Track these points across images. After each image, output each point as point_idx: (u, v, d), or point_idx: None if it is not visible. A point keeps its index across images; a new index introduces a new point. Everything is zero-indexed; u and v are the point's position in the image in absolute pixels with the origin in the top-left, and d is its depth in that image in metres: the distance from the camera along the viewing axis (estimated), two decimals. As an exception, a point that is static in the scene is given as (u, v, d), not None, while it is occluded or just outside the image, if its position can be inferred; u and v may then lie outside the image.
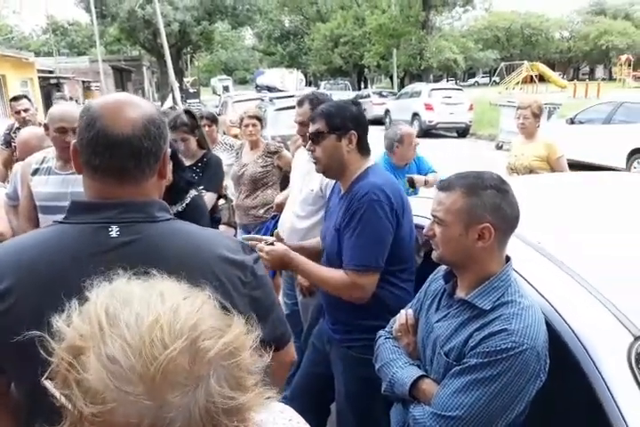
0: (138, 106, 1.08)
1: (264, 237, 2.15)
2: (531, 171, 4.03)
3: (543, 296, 1.48)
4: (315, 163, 2.13)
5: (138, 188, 1.08)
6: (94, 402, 0.55)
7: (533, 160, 4.06)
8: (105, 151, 1.03)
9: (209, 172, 3.48)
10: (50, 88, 24.11)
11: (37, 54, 40.20)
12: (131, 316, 0.59)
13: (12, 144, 4.60)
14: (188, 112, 3.58)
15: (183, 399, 0.56)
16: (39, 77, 21.61)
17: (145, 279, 0.68)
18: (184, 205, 2.47)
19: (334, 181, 2.35)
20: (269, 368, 1.31)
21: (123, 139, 1.03)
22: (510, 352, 1.28)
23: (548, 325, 1.39)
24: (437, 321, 1.51)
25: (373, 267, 1.93)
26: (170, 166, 2.48)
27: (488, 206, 1.39)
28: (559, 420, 1.61)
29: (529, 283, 1.54)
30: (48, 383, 0.61)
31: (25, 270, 1.00)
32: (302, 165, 2.97)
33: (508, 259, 1.47)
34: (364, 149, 2.10)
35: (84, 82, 31.92)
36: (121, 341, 0.57)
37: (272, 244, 2.06)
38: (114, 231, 1.03)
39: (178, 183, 2.43)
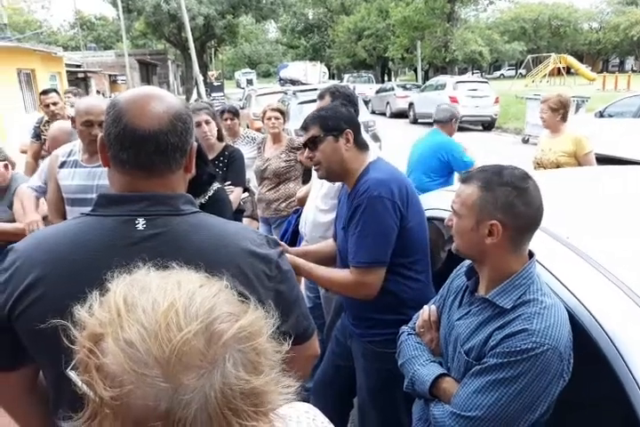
0: (164, 101, 1.08)
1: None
2: (557, 166, 3.97)
3: (571, 292, 1.46)
4: (316, 169, 2.13)
5: (164, 181, 1.09)
6: (113, 386, 0.56)
7: (560, 155, 3.98)
8: (132, 146, 1.04)
9: (235, 166, 3.50)
10: (77, 82, 24.46)
11: (65, 49, 40.76)
12: (148, 302, 0.60)
13: (42, 137, 4.68)
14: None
15: (199, 382, 0.57)
16: (67, 71, 21.92)
17: (164, 270, 0.69)
18: (207, 197, 2.48)
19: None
20: (292, 362, 1.33)
21: (149, 134, 1.04)
22: (530, 353, 1.26)
23: (576, 321, 1.37)
24: (459, 319, 1.49)
25: (377, 263, 1.93)
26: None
27: (499, 204, 1.37)
28: (588, 418, 1.59)
29: (556, 278, 1.51)
30: (72, 373, 0.62)
31: (53, 262, 1.02)
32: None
33: (531, 255, 1.45)
34: (360, 145, 2.09)
35: (110, 75, 32.33)
36: (138, 325, 0.58)
37: None
38: (140, 224, 1.04)
39: (201, 176, 2.44)
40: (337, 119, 2.05)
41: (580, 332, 1.36)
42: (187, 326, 0.58)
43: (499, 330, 1.34)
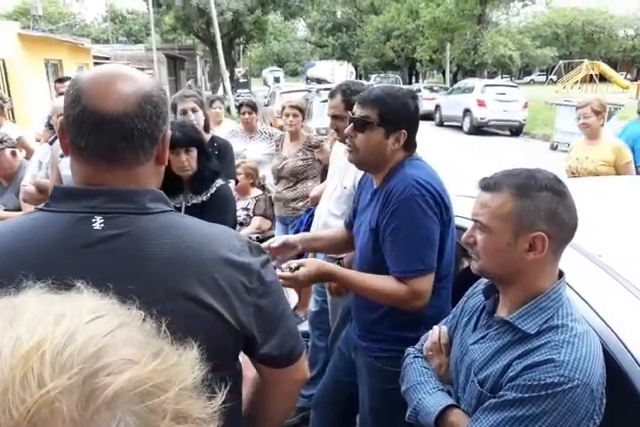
0: (132, 80, 0.93)
1: (290, 263, 1.88)
2: (596, 176, 3.76)
3: (603, 319, 1.27)
4: (350, 151, 1.88)
5: (129, 174, 0.94)
6: None
7: (600, 165, 3.77)
8: (92, 131, 0.90)
9: (226, 159, 3.32)
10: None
11: (97, 42, 41.26)
12: (10, 340, 0.42)
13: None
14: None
15: None
16: (95, 63, 22.08)
17: (64, 293, 0.51)
18: (209, 195, 2.36)
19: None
20: (277, 387, 1.16)
21: (112, 118, 0.89)
22: (557, 388, 1.07)
23: (607, 353, 1.19)
24: (474, 343, 1.31)
25: (427, 269, 1.72)
26: (194, 154, 2.38)
27: (542, 212, 1.18)
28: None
29: (586, 302, 1.33)
30: None
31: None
32: (339, 159, 2.81)
33: (561, 274, 1.26)
34: (410, 146, 1.86)
35: (138, 69, 32.55)
36: None
37: (298, 267, 1.80)
38: (97, 223, 0.89)
39: (202, 172, 2.32)
40: (400, 114, 1.79)
41: (611, 366, 1.17)
42: (52, 380, 0.40)
43: (520, 359, 1.16)
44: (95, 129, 0.89)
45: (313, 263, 1.82)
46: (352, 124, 1.85)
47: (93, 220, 0.89)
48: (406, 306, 1.77)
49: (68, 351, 0.41)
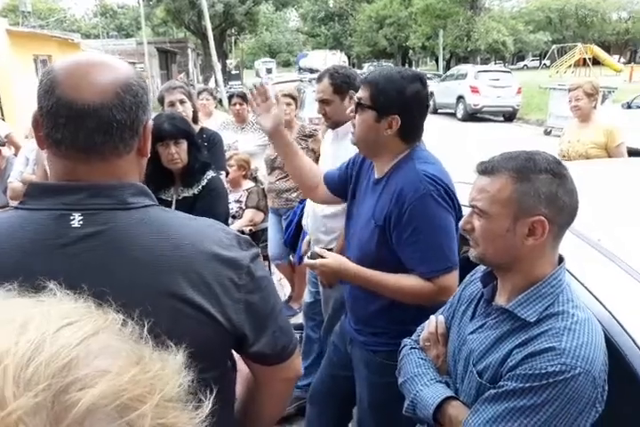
0: (110, 68, 0.88)
1: (319, 252, 1.86)
2: (586, 159, 3.73)
3: (604, 305, 1.24)
4: (352, 132, 1.86)
5: (109, 167, 0.90)
6: None
7: (591, 147, 3.73)
8: (67, 124, 0.85)
9: (215, 151, 3.27)
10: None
11: (87, 37, 40.98)
12: None
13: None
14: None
15: None
16: (85, 59, 21.88)
17: (34, 296, 0.46)
18: (200, 187, 2.32)
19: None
20: (269, 385, 1.13)
21: (89, 110, 0.84)
22: (559, 377, 1.03)
23: (609, 340, 1.16)
24: (472, 332, 1.27)
25: (453, 265, 1.69)
26: (184, 146, 2.34)
27: (542, 195, 1.13)
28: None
29: (586, 288, 1.30)
30: None
31: None
32: (328, 148, 2.77)
33: (561, 260, 1.22)
34: (408, 135, 1.76)
35: (129, 63, 32.31)
36: None
37: (320, 255, 1.80)
38: (76, 220, 0.85)
39: (193, 165, 2.28)
40: (391, 99, 1.70)
41: (613, 353, 1.14)
42: (16, 399, 0.35)
43: (520, 347, 1.12)
44: (71, 122, 0.84)
45: (338, 259, 1.80)
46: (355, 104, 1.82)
47: (72, 217, 0.85)
48: (434, 303, 1.70)
49: (33, 365, 0.36)
